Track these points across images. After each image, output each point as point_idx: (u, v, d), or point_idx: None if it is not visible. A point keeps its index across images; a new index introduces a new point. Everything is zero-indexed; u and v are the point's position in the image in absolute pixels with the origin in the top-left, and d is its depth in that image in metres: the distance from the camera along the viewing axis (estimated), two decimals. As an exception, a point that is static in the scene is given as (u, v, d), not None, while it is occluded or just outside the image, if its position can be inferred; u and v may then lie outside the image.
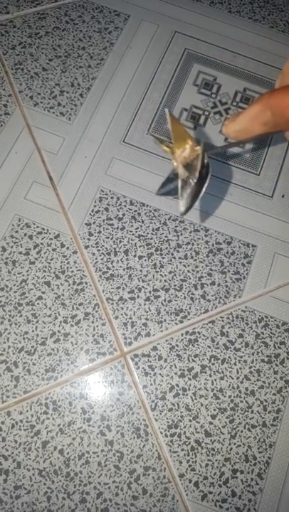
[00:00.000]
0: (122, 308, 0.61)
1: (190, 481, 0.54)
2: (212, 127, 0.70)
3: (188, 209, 0.39)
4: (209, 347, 0.59)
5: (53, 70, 0.72)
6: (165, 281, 0.62)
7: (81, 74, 0.72)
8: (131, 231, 0.64)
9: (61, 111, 0.70)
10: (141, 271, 0.62)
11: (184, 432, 0.56)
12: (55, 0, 0.77)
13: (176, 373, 0.58)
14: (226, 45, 0.76)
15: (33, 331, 0.59)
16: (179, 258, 0.63)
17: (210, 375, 0.58)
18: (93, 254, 0.63)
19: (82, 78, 0.72)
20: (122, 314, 0.60)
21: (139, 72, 0.73)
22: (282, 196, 0.67)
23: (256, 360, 0.59)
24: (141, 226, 0.65)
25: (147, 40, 0.75)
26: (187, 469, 0.54)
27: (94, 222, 0.64)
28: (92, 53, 0.74)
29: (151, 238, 0.64)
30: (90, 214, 0.64)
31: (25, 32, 0.74)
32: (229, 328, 0.60)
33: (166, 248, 0.64)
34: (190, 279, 0.62)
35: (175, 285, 0.62)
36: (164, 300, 0.61)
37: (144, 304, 0.61)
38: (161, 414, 0.56)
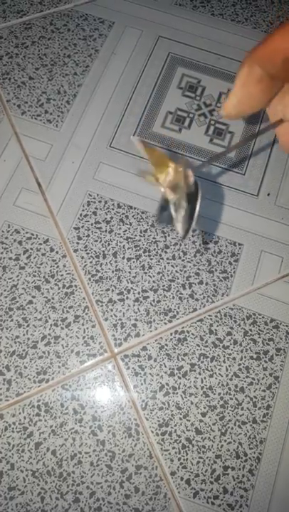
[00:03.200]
0: (112, 310, 0.61)
1: (182, 479, 0.55)
2: (197, 129, 0.71)
3: (187, 231, 0.39)
4: (198, 345, 0.60)
5: (40, 78, 0.74)
6: (154, 281, 0.63)
7: (67, 81, 0.74)
8: (119, 234, 0.65)
9: (48, 118, 0.71)
10: (130, 272, 0.63)
11: (175, 430, 0.56)
12: (40, 10, 0.79)
13: (165, 372, 0.59)
14: (210, 47, 0.77)
15: (24, 334, 0.60)
16: (167, 259, 0.64)
17: (199, 373, 0.59)
18: (82, 257, 0.64)
19: (69, 85, 0.73)
20: (111, 316, 0.61)
21: (124, 78, 0.74)
22: (268, 195, 0.67)
23: (245, 357, 0.60)
24: (129, 228, 0.66)
25: (132, 45, 0.77)
26: (179, 467, 0.55)
27: (82, 226, 0.65)
28: (77, 61, 0.75)
29: (140, 240, 0.65)
30: (79, 218, 0.66)
31: (11, 42, 0.76)
32: (218, 326, 0.61)
33: (154, 249, 0.65)
34: (178, 279, 0.63)
35: (163, 285, 0.63)
36: (153, 300, 0.62)
37: (134, 305, 0.62)
38: (151, 413, 0.57)
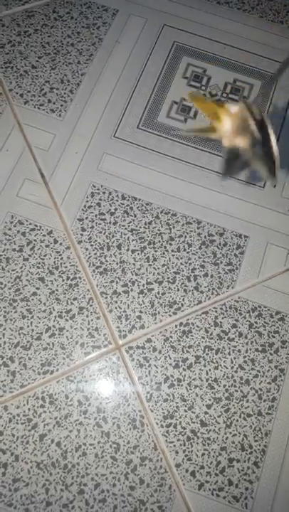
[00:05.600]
0: (116, 302, 0.61)
1: (186, 471, 0.55)
2: (203, 120, 0.70)
3: (273, 172, 0.35)
4: (203, 338, 0.60)
5: (43, 67, 0.73)
6: (158, 274, 0.63)
7: (70, 70, 0.73)
8: (123, 225, 0.65)
9: (51, 107, 0.70)
10: (134, 264, 0.63)
11: (180, 422, 0.56)
12: (43, -3, 0.77)
13: (170, 364, 0.58)
14: (215, 36, 0.76)
15: (28, 326, 0.59)
16: (172, 251, 0.64)
17: (204, 366, 0.58)
18: (86, 249, 0.63)
19: (72, 74, 0.72)
20: (116, 308, 0.61)
21: (129, 67, 0.73)
22: (274, 186, 0.67)
23: (250, 349, 0.59)
24: (133, 220, 0.65)
25: (136, 34, 0.75)
26: (183, 459, 0.55)
27: (86, 218, 0.65)
28: (81, 49, 0.74)
29: (144, 232, 0.64)
30: (83, 209, 0.65)
31: (14, 30, 0.75)
32: (223, 318, 0.60)
33: (159, 241, 0.64)
34: (183, 271, 0.63)
35: (168, 277, 0.62)
36: (158, 293, 0.62)
37: (138, 297, 0.61)
38: (156, 405, 0.57)
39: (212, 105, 0.37)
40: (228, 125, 0.39)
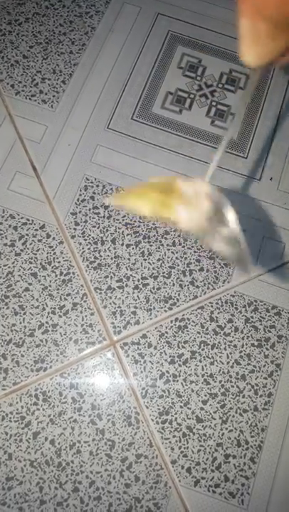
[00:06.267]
0: (111, 298, 0.60)
1: (182, 467, 0.54)
2: (198, 110, 0.69)
3: (245, 265, 0.31)
4: (199, 333, 0.59)
5: (34, 57, 0.71)
6: (153, 268, 0.61)
7: (63, 60, 0.71)
8: (118, 219, 0.63)
9: (43, 98, 0.68)
10: (129, 259, 0.62)
11: (176, 419, 0.55)
12: (34, -15, 0.75)
13: (166, 360, 0.58)
14: (211, 25, 0.74)
15: (20, 322, 0.58)
16: (167, 245, 0.63)
17: (200, 361, 0.58)
18: (80, 243, 0.62)
19: (64, 64, 0.70)
20: (110, 303, 0.60)
21: (122, 56, 0.71)
22: (271, 179, 0.66)
23: (246, 344, 0.59)
24: (128, 214, 0.64)
25: (130, 23, 0.74)
26: (179, 455, 0.54)
27: (80, 212, 0.63)
28: (73, 39, 0.72)
29: (139, 226, 0.63)
30: (76, 203, 0.64)
31: (4, 19, 0.73)
32: (218, 313, 0.60)
33: (154, 236, 0.63)
34: (178, 265, 0.62)
35: (163, 272, 0.61)
36: (153, 288, 0.61)
37: (133, 293, 0.60)
38: (152, 401, 0.56)
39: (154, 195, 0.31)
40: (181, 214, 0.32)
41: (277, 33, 0.27)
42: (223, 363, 0.58)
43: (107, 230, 0.63)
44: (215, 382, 0.57)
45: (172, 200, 0.31)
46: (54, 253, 0.61)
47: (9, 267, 0.60)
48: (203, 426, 0.55)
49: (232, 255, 0.31)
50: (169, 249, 0.62)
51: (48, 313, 0.59)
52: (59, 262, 0.61)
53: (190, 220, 0.31)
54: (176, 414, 0.56)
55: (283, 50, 0.28)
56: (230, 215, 0.30)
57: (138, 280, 0.61)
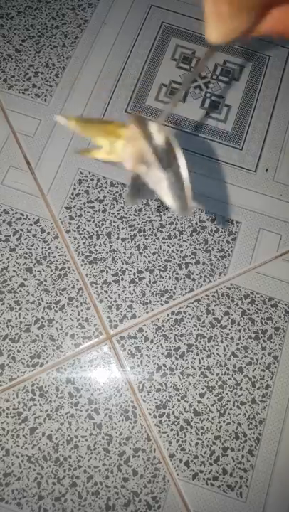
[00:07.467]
0: (107, 292, 0.60)
1: (180, 461, 0.54)
2: (192, 102, 0.68)
3: (185, 205, 0.29)
4: (195, 326, 0.58)
5: (27, 50, 0.70)
6: (149, 262, 0.61)
7: (56, 53, 0.70)
8: (113, 213, 0.63)
9: (36, 92, 0.68)
10: (124, 253, 0.61)
11: (173, 412, 0.55)
12: (25, -23, 0.74)
13: (162, 353, 0.57)
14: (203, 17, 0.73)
15: (16, 318, 0.58)
16: (163, 238, 0.62)
17: (197, 354, 0.57)
18: (75, 238, 0.62)
19: (57, 58, 0.70)
20: (106, 298, 0.59)
21: (116, 49, 0.71)
22: (266, 170, 0.65)
23: (243, 336, 0.58)
24: (123, 208, 0.63)
25: (123, 15, 0.73)
26: (177, 449, 0.54)
27: (74, 206, 0.63)
28: (66, 32, 0.71)
29: (134, 219, 0.63)
30: (70, 197, 0.63)
31: (-5, 12, 0.72)
32: (215, 306, 0.59)
33: (150, 229, 0.63)
34: (174, 259, 0.61)
35: (159, 266, 0.61)
36: (149, 281, 0.60)
37: (129, 286, 0.60)
38: (149, 395, 0.56)
39: (105, 126, 0.30)
40: (125, 150, 0.32)
41: (239, 13, 0.26)
42: (220, 356, 0.57)
43: (102, 224, 0.62)
44: (212, 375, 0.57)
45: (121, 133, 0.31)
46: (49, 248, 0.61)
47: (4, 263, 0.60)
48: (200, 419, 0.55)
49: (173, 193, 0.29)
50: (164, 243, 0.62)
51: (44, 308, 0.58)
52: (54, 257, 0.60)
53: (133, 153, 0.31)
54: (173, 407, 0.55)
55: (245, 29, 0.28)
56: (178, 153, 0.29)
57: (134, 274, 0.60)
